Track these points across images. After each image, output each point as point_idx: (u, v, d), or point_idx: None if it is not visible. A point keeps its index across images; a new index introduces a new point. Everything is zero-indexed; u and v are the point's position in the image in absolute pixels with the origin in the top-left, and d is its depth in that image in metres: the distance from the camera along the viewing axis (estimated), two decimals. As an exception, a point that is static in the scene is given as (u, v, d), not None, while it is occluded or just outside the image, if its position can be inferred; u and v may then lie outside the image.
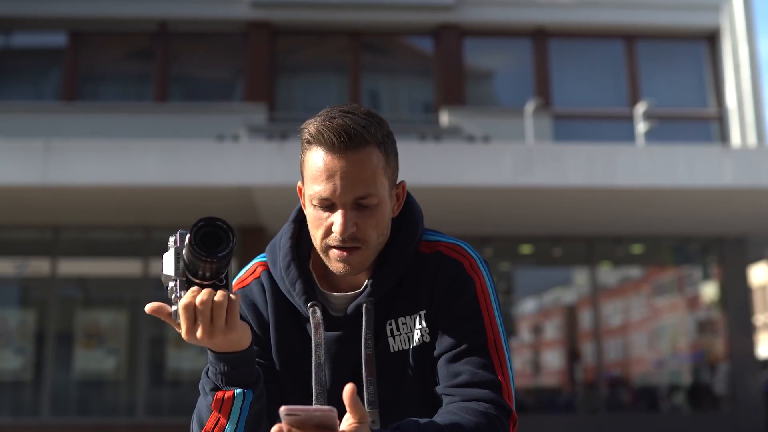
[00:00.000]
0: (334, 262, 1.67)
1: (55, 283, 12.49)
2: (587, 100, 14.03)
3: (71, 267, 12.80)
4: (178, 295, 1.50)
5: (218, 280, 1.51)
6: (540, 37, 14.14)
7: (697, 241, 13.68)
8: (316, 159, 1.64)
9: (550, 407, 13.50)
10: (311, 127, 1.65)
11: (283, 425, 1.33)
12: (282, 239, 1.81)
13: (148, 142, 10.90)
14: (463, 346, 1.67)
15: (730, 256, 13.32)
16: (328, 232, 1.66)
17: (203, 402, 1.64)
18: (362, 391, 1.67)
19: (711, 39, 14.30)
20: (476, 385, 1.64)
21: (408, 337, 1.73)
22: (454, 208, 11.36)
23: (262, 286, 1.80)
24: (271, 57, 13.88)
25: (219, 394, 1.59)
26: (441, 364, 1.69)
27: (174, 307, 1.51)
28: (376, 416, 1.67)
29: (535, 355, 14.57)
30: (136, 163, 10.38)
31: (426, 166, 10.38)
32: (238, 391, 1.59)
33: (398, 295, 1.74)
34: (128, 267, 12.74)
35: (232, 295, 1.49)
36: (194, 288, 1.49)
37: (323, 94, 14.71)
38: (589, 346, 13.51)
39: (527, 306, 14.69)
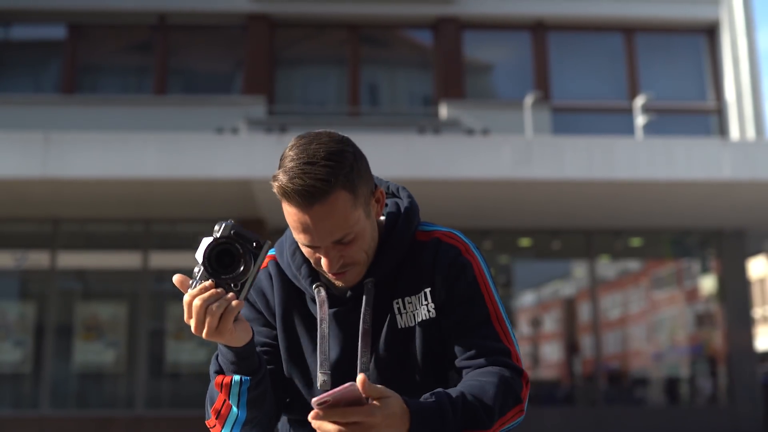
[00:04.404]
0: (332, 279, 1.86)
1: (55, 275, 12.50)
2: (586, 93, 14.03)
3: (71, 259, 12.81)
4: (198, 280, 1.63)
5: (234, 285, 1.63)
6: (539, 29, 14.14)
7: (695, 234, 13.70)
8: (290, 212, 1.74)
9: (548, 400, 13.53)
10: (278, 182, 1.72)
11: (317, 412, 1.50)
12: (287, 231, 1.96)
13: (147, 134, 10.91)
14: (471, 323, 1.85)
15: (728, 249, 13.34)
16: (318, 263, 1.82)
17: (211, 389, 1.81)
18: (356, 360, 1.85)
19: (710, 32, 14.30)
20: (488, 354, 1.81)
21: (413, 315, 1.87)
22: (453, 200, 11.37)
23: (270, 274, 1.96)
24: (270, 50, 13.88)
25: (219, 378, 1.77)
26: (453, 341, 1.85)
27: (190, 285, 1.64)
28: None
29: (533, 348, 14.60)
30: (136, 155, 10.39)
31: (425, 159, 10.39)
32: (236, 378, 1.75)
33: (401, 277, 1.89)
34: (128, 259, 12.75)
35: (233, 302, 1.61)
36: (205, 284, 1.61)
37: (322, 86, 14.71)
38: (587, 338, 13.53)
39: (526, 299, 14.71)
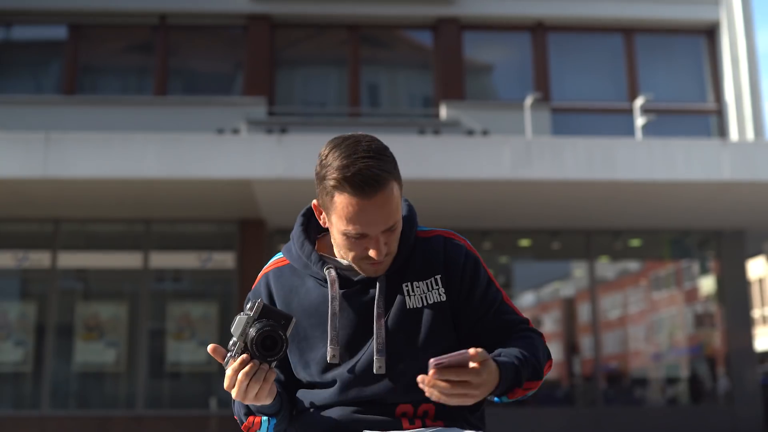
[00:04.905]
0: (366, 270, 2.01)
1: (56, 275, 12.52)
2: (586, 94, 14.05)
3: (71, 259, 12.83)
4: (235, 352, 1.84)
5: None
6: (539, 30, 14.16)
7: (695, 234, 13.72)
8: (348, 202, 1.89)
9: (548, 400, 13.54)
10: (335, 174, 1.88)
11: (431, 373, 1.72)
12: (294, 230, 2.14)
13: (148, 134, 10.92)
14: (494, 305, 2.10)
15: (728, 250, 13.36)
16: (363, 255, 1.96)
17: (239, 410, 2.08)
18: (365, 338, 2.01)
19: (710, 33, 14.32)
20: (514, 326, 2.10)
21: (421, 298, 2.05)
22: (453, 201, 11.39)
23: (268, 281, 2.13)
24: (270, 50, 13.90)
25: (250, 419, 2.05)
26: (481, 321, 2.09)
27: (228, 357, 1.84)
28: (383, 362, 1.98)
29: (533, 348, 14.60)
30: (136, 155, 10.41)
31: (425, 159, 10.41)
32: (264, 418, 2.03)
33: (409, 266, 2.07)
34: (128, 259, 12.77)
35: (269, 374, 1.85)
36: (243, 358, 1.82)
37: (323, 87, 14.73)
38: (587, 339, 13.55)
39: (526, 299, 14.72)
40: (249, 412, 2.02)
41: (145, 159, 10.40)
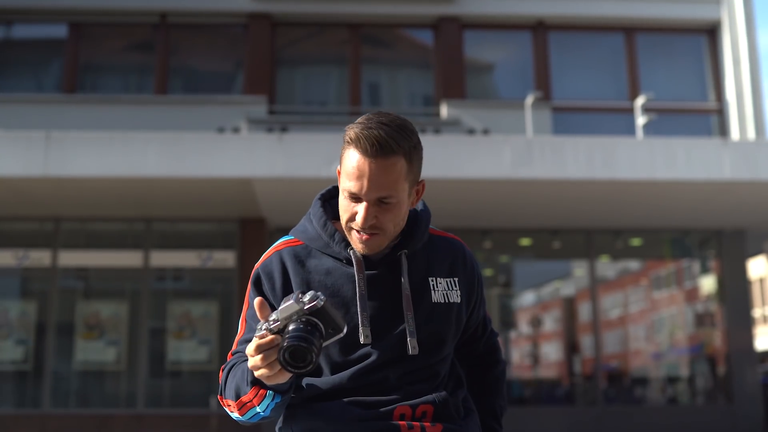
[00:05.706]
0: (356, 242, 2.02)
1: (56, 274, 12.53)
2: (587, 93, 14.05)
3: (72, 258, 12.83)
4: (269, 328, 1.75)
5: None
6: (540, 29, 14.16)
7: (695, 234, 13.72)
8: (351, 159, 1.95)
9: (548, 399, 13.55)
10: (352, 131, 1.95)
11: None
12: (313, 210, 2.16)
13: (148, 133, 10.92)
14: (484, 313, 2.30)
15: (728, 249, 13.36)
16: (352, 218, 1.99)
17: (241, 381, 1.92)
18: (390, 320, 2.02)
19: (711, 32, 14.31)
20: (491, 335, 2.34)
21: (444, 294, 2.11)
22: (454, 200, 11.39)
23: (281, 258, 2.09)
24: (271, 49, 13.90)
25: (254, 390, 1.90)
26: (477, 325, 2.27)
27: (261, 327, 1.76)
28: (415, 344, 2.00)
29: (533, 348, 14.61)
30: (137, 154, 10.41)
31: (426, 158, 10.27)
32: (269, 393, 1.89)
33: (433, 259, 2.14)
34: (129, 258, 12.78)
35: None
36: (271, 338, 1.74)
37: (323, 86, 14.72)
38: (587, 338, 13.55)
39: (526, 298, 14.73)
40: (255, 382, 1.89)
41: (146, 158, 10.40)
